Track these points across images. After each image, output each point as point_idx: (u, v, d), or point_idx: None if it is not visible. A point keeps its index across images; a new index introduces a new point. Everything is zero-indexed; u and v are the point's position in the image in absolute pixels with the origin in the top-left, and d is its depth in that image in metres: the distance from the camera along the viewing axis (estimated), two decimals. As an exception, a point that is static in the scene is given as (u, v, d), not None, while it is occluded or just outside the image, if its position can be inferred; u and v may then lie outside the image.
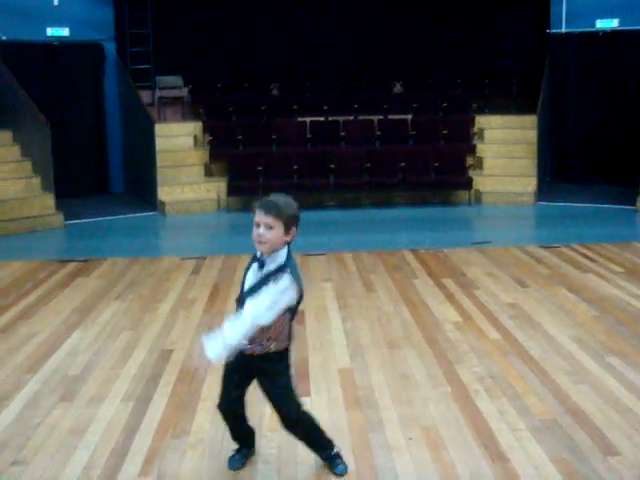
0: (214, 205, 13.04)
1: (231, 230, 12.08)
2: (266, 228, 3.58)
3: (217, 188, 13.24)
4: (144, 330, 6.43)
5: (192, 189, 13.17)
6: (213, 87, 15.12)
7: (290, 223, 3.62)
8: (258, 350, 3.73)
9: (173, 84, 15.07)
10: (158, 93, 15.04)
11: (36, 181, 12.10)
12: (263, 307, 3.58)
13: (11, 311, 7.06)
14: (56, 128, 12.22)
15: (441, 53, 15.43)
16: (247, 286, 3.70)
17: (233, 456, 4.12)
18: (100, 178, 14.93)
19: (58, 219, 11.65)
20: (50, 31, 14.26)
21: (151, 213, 12.81)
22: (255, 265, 3.69)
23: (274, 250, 3.63)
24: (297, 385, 5.08)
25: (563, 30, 14.96)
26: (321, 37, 15.33)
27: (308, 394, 4.98)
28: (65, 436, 4.47)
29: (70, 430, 4.54)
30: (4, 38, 13.62)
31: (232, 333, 3.56)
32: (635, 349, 5.79)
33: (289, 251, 3.70)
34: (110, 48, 14.78)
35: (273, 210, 3.58)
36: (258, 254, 3.69)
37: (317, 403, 4.83)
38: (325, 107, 14.52)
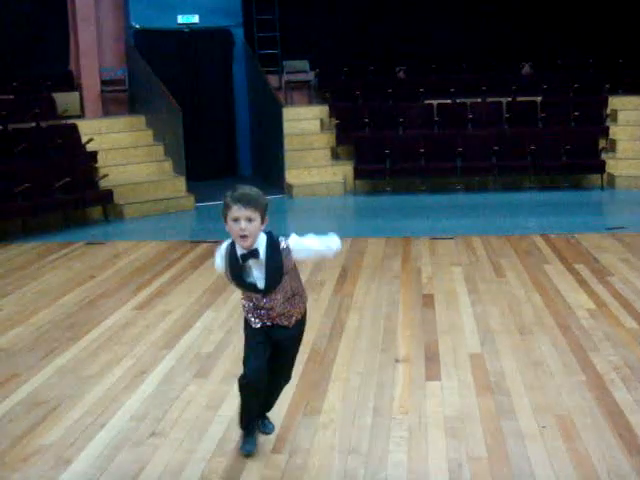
0: (341, 188, 13.09)
1: (358, 213, 12.12)
2: (247, 221, 3.61)
3: (344, 171, 13.30)
4: (274, 310, 6.52)
5: (319, 172, 13.28)
6: (339, 71, 15.19)
7: (265, 212, 3.69)
8: (295, 318, 3.89)
9: (300, 68, 15.22)
10: (285, 77, 15.21)
11: (168, 164, 12.50)
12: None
13: (147, 289, 7.32)
14: (187, 113, 12.55)
15: (571, 31, 14.96)
16: (260, 277, 3.73)
17: (247, 441, 4.08)
18: (229, 161, 15.24)
19: (189, 201, 11.99)
20: (181, 18, 14.61)
21: (279, 196, 12.99)
22: (251, 261, 3.72)
23: (255, 241, 3.69)
24: (428, 369, 5.13)
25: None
26: (448, 19, 15.12)
27: (439, 378, 4.95)
28: (200, 411, 4.60)
29: (205, 405, 4.67)
30: (138, 27, 14.06)
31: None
32: None
33: None
34: (238, 33, 15.03)
35: (251, 203, 3.63)
36: (241, 251, 3.71)
37: (448, 388, 4.79)
38: (452, 89, 14.34)
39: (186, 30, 14.66)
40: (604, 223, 10.14)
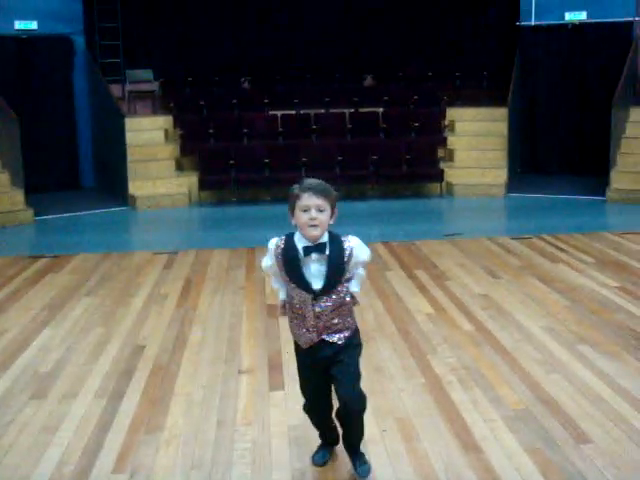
0: (185, 199, 12.98)
1: (203, 224, 12.04)
2: (317, 211, 3.47)
3: (188, 182, 13.20)
4: (116, 326, 6.38)
5: (163, 183, 13.10)
6: (184, 81, 15.05)
7: (335, 204, 3.56)
8: (344, 334, 3.66)
9: (143, 78, 14.97)
10: (128, 87, 14.93)
11: (5, 177, 11.97)
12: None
13: (-19, 308, 6.99)
14: (25, 123, 12.11)
15: (412, 46, 15.48)
16: (318, 274, 3.54)
17: (317, 452, 4.05)
18: (70, 173, 14.81)
19: (28, 215, 11.55)
20: (18, 24, 14.10)
21: (122, 208, 12.73)
22: (314, 255, 3.53)
23: (323, 233, 3.54)
24: (271, 378, 5.14)
25: (532, 22, 15.04)
26: (291, 30, 15.30)
27: (282, 388, 4.98)
28: (37, 434, 4.42)
29: (42, 428, 4.50)
30: (-29, 32, 13.47)
31: None
32: (606, 338, 5.84)
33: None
34: (79, 41, 14.69)
35: (322, 192, 3.49)
36: (304, 244, 3.53)
37: (291, 396, 4.81)
38: (296, 100, 14.50)
39: (24, 36, 14.15)
40: (442, 230, 10.50)
